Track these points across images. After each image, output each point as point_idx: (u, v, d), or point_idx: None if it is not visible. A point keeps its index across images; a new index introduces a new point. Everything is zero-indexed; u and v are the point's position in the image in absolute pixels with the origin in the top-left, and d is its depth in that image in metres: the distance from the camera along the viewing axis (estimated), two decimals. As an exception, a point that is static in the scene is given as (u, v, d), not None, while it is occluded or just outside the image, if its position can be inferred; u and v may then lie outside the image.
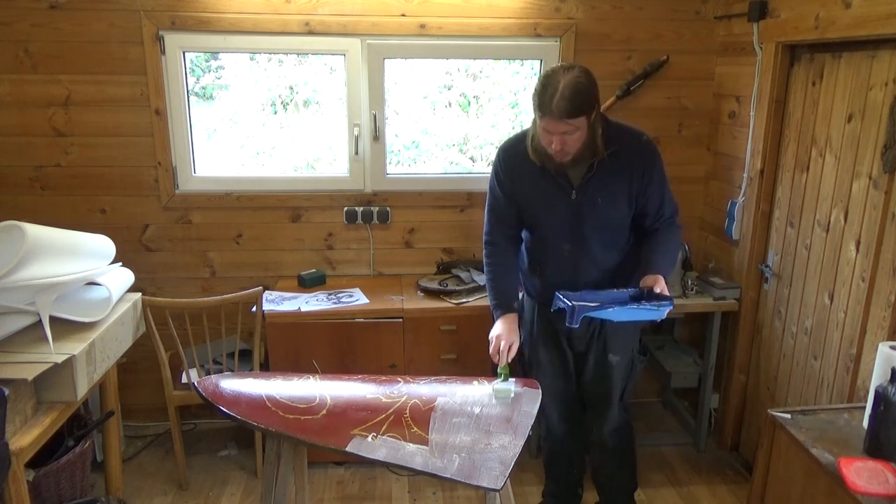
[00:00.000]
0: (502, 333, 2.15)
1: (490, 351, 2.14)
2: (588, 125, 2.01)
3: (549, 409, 2.49)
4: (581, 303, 1.96)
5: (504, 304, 2.25)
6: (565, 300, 1.99)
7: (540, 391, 1.96)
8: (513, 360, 2.11)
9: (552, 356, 2.40)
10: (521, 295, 2.39)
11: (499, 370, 2.02)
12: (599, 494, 2.69)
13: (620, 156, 2.11)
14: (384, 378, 2.06)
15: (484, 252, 2.35)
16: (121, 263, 2.56)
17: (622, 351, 2.33)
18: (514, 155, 2.22)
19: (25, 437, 1.92)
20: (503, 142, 2.31)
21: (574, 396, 2.48)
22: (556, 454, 2.64)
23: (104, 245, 2.48)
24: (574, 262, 2.24)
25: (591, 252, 2.22)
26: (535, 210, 2.24)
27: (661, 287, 2.05)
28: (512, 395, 1.92)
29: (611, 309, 1.98)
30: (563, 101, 1.92)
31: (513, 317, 2.23)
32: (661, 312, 1.98)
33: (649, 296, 2.02)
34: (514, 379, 2.00)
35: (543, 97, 1.95)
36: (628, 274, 2.25)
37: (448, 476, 1.64)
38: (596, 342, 2.33)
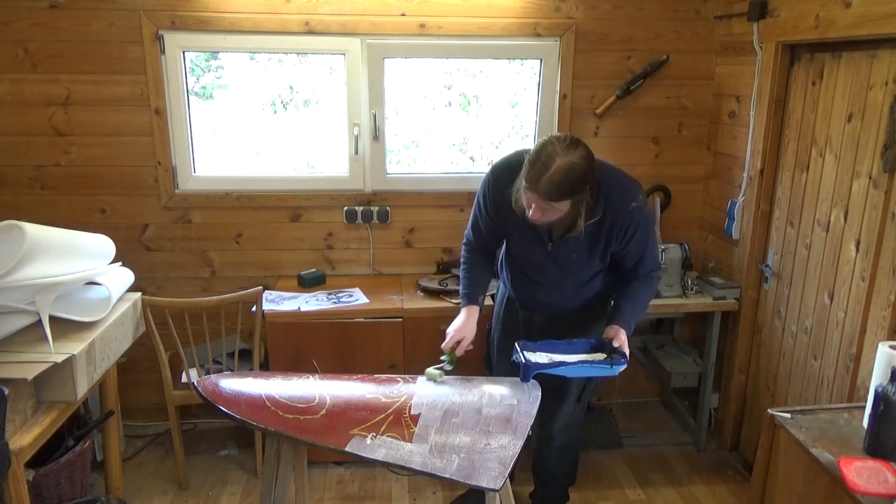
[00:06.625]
0: (459, 329, 2.19)
1: (442, 346, 2.19)
2: (571, 205, 1.93)
3: None
4: (535, 360, 2.01)
5: (470, 295, 2.29)
6: (522, 354, 2.03)
7: (539, 393, 1.96)
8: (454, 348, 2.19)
9: (510, 342, 2.35)
10: (496, 284, 2.51)
11: (443, 357, 2.15)
12: (536, 483, 2.71)
13: (604, 221, 2.05)
14: (384, 378, 2.06)
15: (462, 249, 2.40)
16: (121, 263, 2.56)
17: None
18: (503, 185, 2.11)
19: (25, 437, 1.92)
20: (497, 163, 2.20)
21: None
22: None
23: (104, 245, 2.48)
24: (545, 290, 2.28)
25: (562, 289, 2.27)
26: (514, 244, 2.27)
27: (620, 341, 2.04)
28: (437, 379, 2.02)
29: (564, 367, 2.00)
30: (551, 184, 1.84)
31: (475, 310, 2.25)
32: (614, 371, 2.00)
33: (609, 349, 2.05)
34: (448, 369, 2.09)
35: (533, 170, 1.86)
36: (595, 303, 2.31)
37: (447, 476, 1.64)
38: (556, 336, 2.25)
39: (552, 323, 2.32)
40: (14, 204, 3.04)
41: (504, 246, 2.38)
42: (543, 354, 2.05)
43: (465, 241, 2.39)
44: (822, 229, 2.55)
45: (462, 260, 2.38)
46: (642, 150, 3.31)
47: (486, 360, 2.63)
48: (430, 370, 2.05)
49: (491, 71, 3.29)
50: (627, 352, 2.04)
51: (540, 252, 2.19)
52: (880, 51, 2.24)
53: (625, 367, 2.00)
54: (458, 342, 2.17)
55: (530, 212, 1.96)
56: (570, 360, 2.02)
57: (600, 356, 2.05)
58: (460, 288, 2.34)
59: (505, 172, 2.12)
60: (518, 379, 2.03)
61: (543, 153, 1.85)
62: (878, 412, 1.77)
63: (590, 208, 2.00)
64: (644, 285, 2.20)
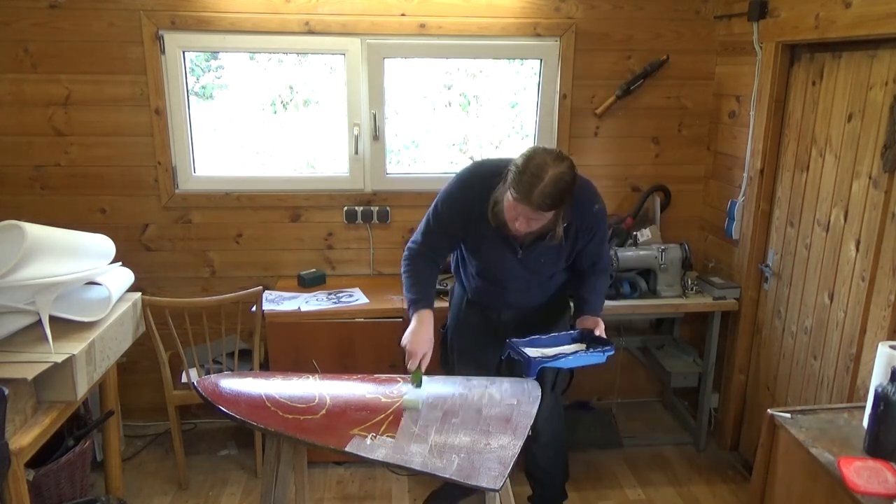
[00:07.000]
0: (417, 344, 2.06)
1: (407, 364, 2.05)
2: (553, 214, 1.98)
3: None
4: (537, 356, 2.04)
5: (419, 300, 2.15)
6: (520, 351, 2.06)
7: (539, 393, 1.96)
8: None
9: (478, 343, 2.40)
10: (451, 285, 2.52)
11: (412, 377, 2.00)
12: (533, 487, 2.72)
13: (570, 226, 2.12)
14: (383, 378, 2.06)
15: (405, 258, 2.26)
16: (121, 263, 2.56)
17: None
18: (471, 197, 2.12)
19: (25, 437, 1.92)
20: (463, 175, 2.19)
21: None
22: None
23: (104, 245, 2.48)
24: (512, 294, 2.31)
25: (528, 290, 2.31)
26: (479, 251, 2.24)
27: (600, 330, 2.18)
28: (420, 406, 1.87)
29: (563, 359, 2.07)
30: (545, 196, 1.86)
31: (429, 316, 2.13)
32: (603, 357, 2.09)
33: (591, 339, 2.17)
34: (419, 390, 1.97)
35: (523, 181, 1.86)
36: (557, 296, 2.40)
37: (447, 476, 1.64)
38: (525, 332, 2.24)
39: (518, 320, 2.36)
40: (14, 204, 3.04)
41: (460, 252, 2.36)
42: (535, 349, 2.10)
43: (409, 246, 2.27)
44: (822, 229, 2.55)
45: (404, 269, 2.24)
46: (642, 150, 3.31)
47: (442, 364, 2.56)
48: (408, 399, 1.88)
49: (491, 71, 3.29)
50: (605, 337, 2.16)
51: (509, 260, 2.20)
52: (880, 51, 2.24)
53: (613, 352, 2.10)
54: (420, 360, 2.05)
55: (516, 223, 1.96)
56: (568, 352, 2.08)
57: (582, 346, 2.15)
58: (406, 294, 2.19)
59: (473, 185, 2.13)
60: (517, 378, 2.05)
61: (532, 164, 1.87)
62: (878, 412, 1.77)
63: (564, 214, 2.06)
64: (603, 278, 2.34)
